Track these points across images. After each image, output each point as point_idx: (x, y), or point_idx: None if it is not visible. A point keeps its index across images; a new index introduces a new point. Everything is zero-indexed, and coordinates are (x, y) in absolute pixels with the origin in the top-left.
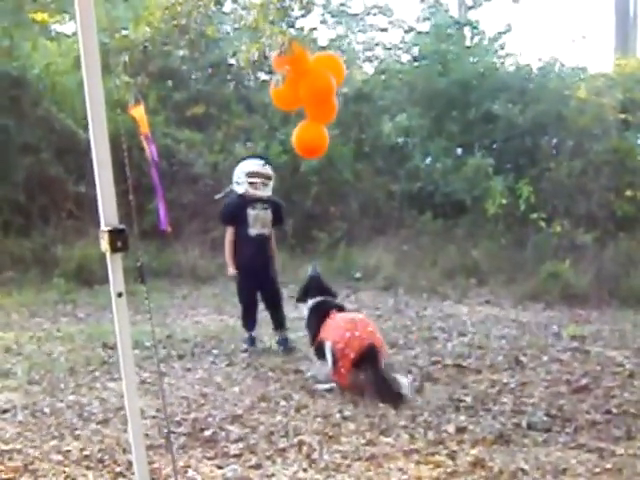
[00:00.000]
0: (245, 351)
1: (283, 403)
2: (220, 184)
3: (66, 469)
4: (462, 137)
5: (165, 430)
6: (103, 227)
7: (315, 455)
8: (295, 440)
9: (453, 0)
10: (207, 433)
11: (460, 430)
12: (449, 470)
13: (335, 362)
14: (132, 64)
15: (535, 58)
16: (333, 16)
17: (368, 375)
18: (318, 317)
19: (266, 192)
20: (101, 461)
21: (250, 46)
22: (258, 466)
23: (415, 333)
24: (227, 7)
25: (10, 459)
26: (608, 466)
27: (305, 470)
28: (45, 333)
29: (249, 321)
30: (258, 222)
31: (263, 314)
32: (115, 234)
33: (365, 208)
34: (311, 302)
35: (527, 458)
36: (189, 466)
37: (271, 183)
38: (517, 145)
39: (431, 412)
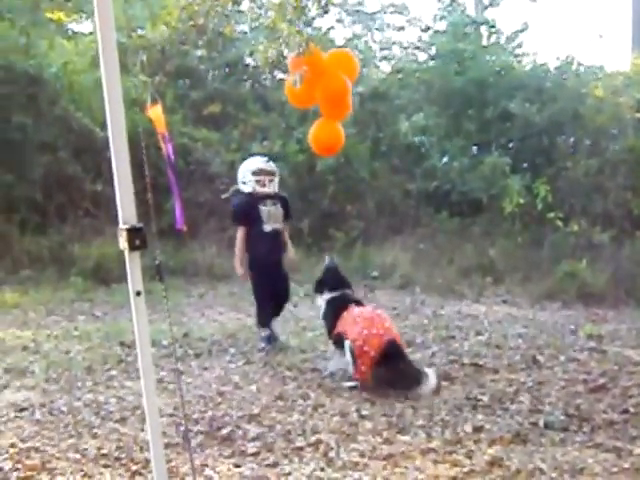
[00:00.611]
0: (262, 350)
1: (300, 402)
2: (236, 183)
3: (83, 467)
4: (479, 136)
5: (182, 428)
6: (121, 225)
7: (332, 454)
8: (312, 439)
9: None
10: (224, 431)
11: (477, 429)
12: (466, 469)
13: (355, 360)
14: (149, 63)
15: (552, 57)
16: (349, 15)
17: (395, 369)
18: (335, 310)
19: (273, 188)
20: (118, 459)
21: (268, 46)
22: (275, 464)
23: (432, 332)
24: (244, 6)
25: (28, 457)
26: (626, 465)
27: (322, 469)
28: (62, 331)
29: (266, 317)
30: (271, 218)
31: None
32: (133, 232)
33: (382, 207)
34: (328, 295)
35: (544, 457)
36: (206, 464)
37: (276, 179)
38: (534, 144)
39: (448, 411)
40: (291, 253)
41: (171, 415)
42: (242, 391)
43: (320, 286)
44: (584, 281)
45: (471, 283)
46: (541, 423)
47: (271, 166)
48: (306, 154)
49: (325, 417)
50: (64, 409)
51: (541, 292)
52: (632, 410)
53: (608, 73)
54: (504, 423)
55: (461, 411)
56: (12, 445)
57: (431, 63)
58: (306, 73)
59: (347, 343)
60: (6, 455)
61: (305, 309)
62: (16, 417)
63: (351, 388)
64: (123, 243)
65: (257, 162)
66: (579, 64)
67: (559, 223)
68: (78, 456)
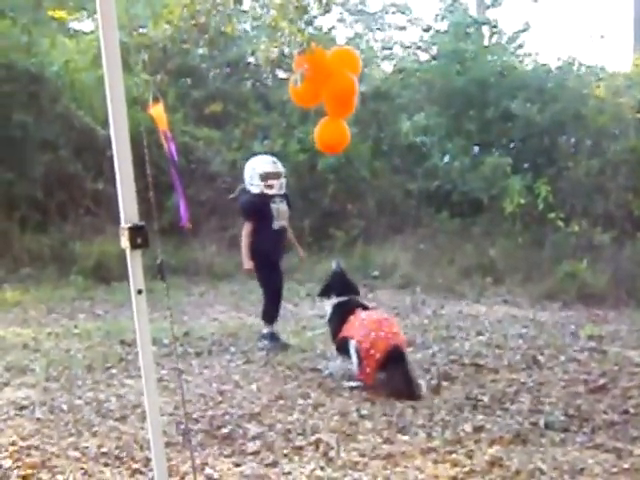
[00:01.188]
0: (263, 349)
1: (300, 401)
2: (238, 182)
3: (84, 465)
4: (480, 136)
5: (183, 427)
6: (123, 224)
7: (332, 453)
8: (312, 438)
9: None
10: (225, 430)
11: (477, 429)
12: (466, 469)
13: (360, 361)
14: (151, 62)
15: (554, 57)
16: (351, 14)
17: (395, 374)
18: (342, 315)
19: (281, 189)
20: (119, 458)
21: (269, 45)
22: (275, 464)
23: (432, 332)
24: (246, 5)
25: (28, 455)
26: (625, 466)
27: (322, 468)
28: (63, 330)
29: (274, 314)
30: (280, 215)
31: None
32: (135, 231)
33: (382, 206)
34: (335, 300)
35: (544, 458)
36: (207, 463)
37: (284, 179)
38: (535, 144)
39: (448, 411)
40: (301, 252)
41: (172, 414)
42: (242, 390)
43: (327, 291)
44: (585, 281)
45: (472, 283)
46: (541, 423)
47: (278, 167)
48: (307, 153)
49: (325, 416)
50: (64, 407)
51: (542, 292)
52: (632, 411)
53: (609, 73)
54: (504, 423)
55: (461, 411)
56: (12, 443)
57: (433, 63)
58: (308, 72)
59: (352, 343)
60: (6, 453)
61: (305, 308)
62: (16, 415)
63: (352, 388)
64: (125, 242)
65: (265, 165)
66: (580, 64)
67: (560, 223)
68: (78, 454)
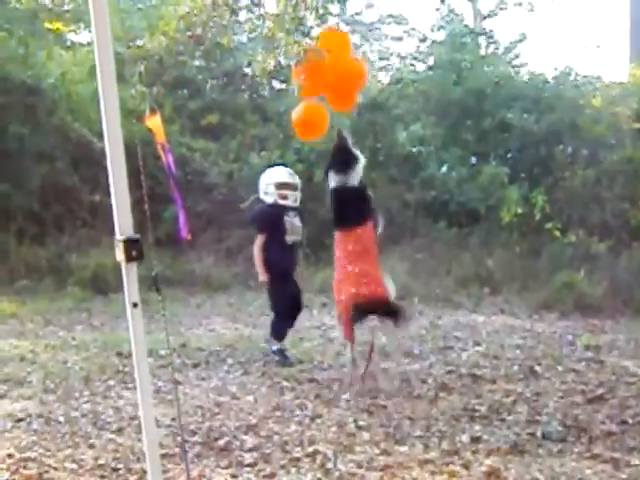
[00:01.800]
0: (280, 362)
1: (298, 412)
2: (235, 193)
3: (81, 478)
4: (477, 146)
5: (179, 439)
6: (118, 236)
7: (329, 465)
8: (309, 449)
9: (468, 9)
10: (221, 442)
11: (475, 440)
12: None
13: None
14: (147, 74)
15: (550, 67)
16: (347, 25)
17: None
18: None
19: (296, 202)
20: (115, 470)
21: (266, 56)
22: (272, 475)
23: (430, 342)
24: (242, 17)
25: (25, 467)
26: (623, 476)
27: None
28: (60, 342)
29: (283, 331)
30: (293, 230)
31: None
32: (130, 244)
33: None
34: (333, 184)
35: (542, 468)
36: (203, 475)
37: (299, 193)
38: (532, 154)
39: (446, 422)
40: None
41: (168, 426)
42: (239, 401)
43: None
44: (582, 291)
45: (469, 293)
46: (539, 434)
47: (294, 179)
48: (304, 164)
49: (322, 428)
50: (61, 419)
51: (539, 302)
52: (630, 421)
53: (606, 83)
54: (501, 434)
55: (458, 422)
56: (9, 455)
57: (429, 73)
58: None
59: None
60: (3, 465)
61: (302, 319)
62: (13, 427)
63: None
64: (120, 254)
65: (281, 175)
66: (577, 74)
67: (557, 233)
68: (75, 466)
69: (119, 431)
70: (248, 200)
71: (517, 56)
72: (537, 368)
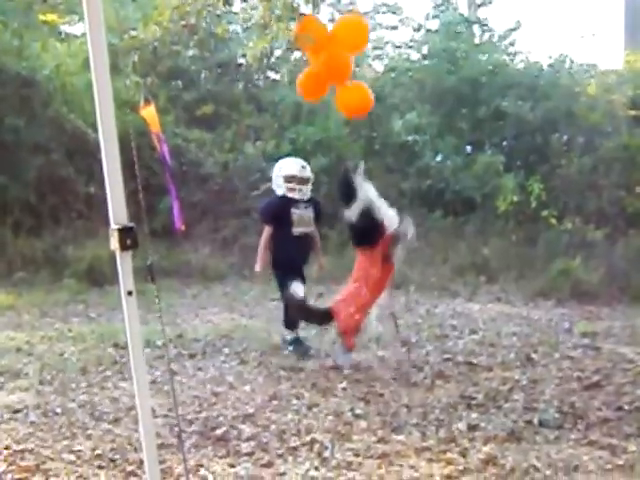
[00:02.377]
0: (292, 351)
1: (294, 401)
2: (230, 183)
3: (78, 469)
4: (472, 134)
5: (176, 429)
6: (112, 225)
7: (326, 453)
8: (307, 438)
9: None
10: (218, 432)
11: (472, 427)
12: (461, 467)
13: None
14: (141, 64)
15: (545, 55)
16: (342, 14)
17: None
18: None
19: (305, 195)
20: (113, 460)
21: (257, 43)
22: (269, 464)
23: (426, 331)
24: (236, 7)
25: (22, 459)
26: (620, 462)
27: (317, 468)
28: (56, 333)
29: (294, 321)
30: (302, 222)
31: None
32: (124, 232)
33: None
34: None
35: (539, 455)
36: (201, 465)
37: (310, 185)
38: (527, 142)
39: (442, 410)
40: (321, 260)
41: (165, 416)
42: (236, 391)
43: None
44: (578, 279)
45: (465, 282)
46: (535, 421)
47: (306, 172)
48: (299, 155)
49: (319, 416)
50: (58, 410)
51: (535, 290)
52: (626, 407)
53: (601, 71)
54: (498, 421)
55: (455, 409)
56: (6, 447)
57: (424, 62)
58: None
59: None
60: (0, 457)
61: None
62: (10, 419)
63: None
64: (114, 243)
65: (292, 168)
66: (572, 62)
67: (553, 221)
68: (73, 457)
69: (116, 422)
70: (262, 188)
71: (512, 44)
72: (533, 355)
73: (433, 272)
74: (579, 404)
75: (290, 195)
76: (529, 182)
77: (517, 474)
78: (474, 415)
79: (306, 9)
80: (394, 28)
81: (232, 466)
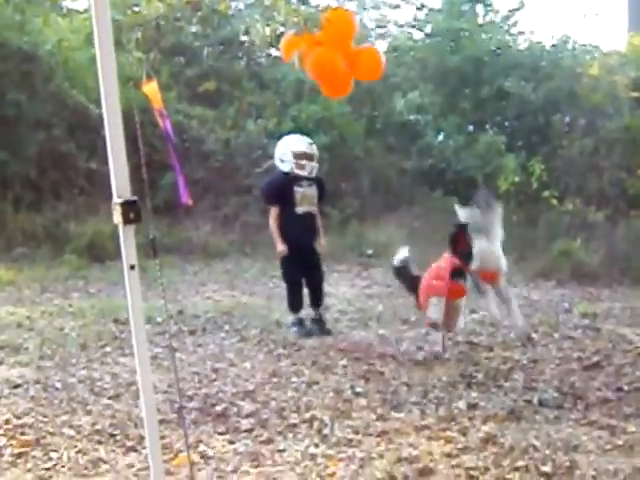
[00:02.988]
0: (296, 333)
1: (294, 379)
2: (232, 160)
3: (78, 444)
4: (474, 114)
5: (177, 405)
6: (115, 199)
7: (326, 430)
8: (306, 415)
9: None
10: (218, 408)
11: (471, 406)
12: (460, 446)
13: None
14: (144, 40)
15: (548, 35)
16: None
17: None
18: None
19: (312, 172)
20: (112, 435)
21: (264, 24)
22: (269, 441)
23: None
24: None
25: (22, 433)
26: (619, 443)
27: (316, 445)
28: (57, 308)
29: (296, 302)
30: (305, 200)
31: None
32: (128, 206)
33: (376, 185)
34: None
35: (538, 435)
36: (201, 441)
37: (316, 163)
38: (529, 122)
39: (442, 388)
40: (322, 240)
41: (165, 392)
42: (236, 368)
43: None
44: (579, 260)
45: None
46: (535, 400)
47: (313, 150)
48: (301, 132)
49: (319, 394)
50: (58, 386)
51: (536, 271)
52: (626, 388)
53: (604, 52)
54: (498, 400)
55: (455, 388)
56: (6, 421)
57: (427, 41)
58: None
59: None
60: (0, 431)
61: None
62: (10, 394)
63: None
64: (117, 217)
65: (301, 144)
66: (575, 43)
67: (554, 202)
68: (72, 432)
69: (116, 397)
70: (265, 165)
71: (515, 24)
72: (534, 335)
73: (434, 251)
74: (579, 384)
75: (297, 171)
76: (530, 162)
77: (516, 453)
78: (474, 394)
79: None
80: (397, 7)
81: (232, 442)
